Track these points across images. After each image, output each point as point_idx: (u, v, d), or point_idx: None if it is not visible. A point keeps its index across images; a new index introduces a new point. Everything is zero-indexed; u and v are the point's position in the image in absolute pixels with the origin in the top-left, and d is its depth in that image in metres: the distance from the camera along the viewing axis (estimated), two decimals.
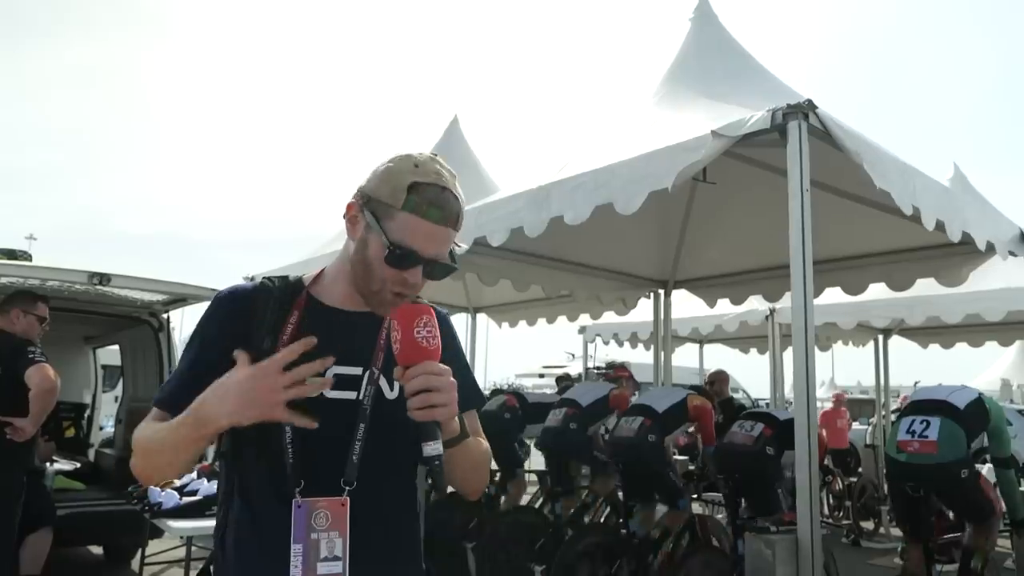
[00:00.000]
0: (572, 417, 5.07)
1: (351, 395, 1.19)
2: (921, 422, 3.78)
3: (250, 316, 1.21)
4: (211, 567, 1.27)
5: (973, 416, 3.80)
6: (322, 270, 1.31)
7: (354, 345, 1.22)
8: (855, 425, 13.79)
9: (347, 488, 1.15)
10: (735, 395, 14.01)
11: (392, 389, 1.22)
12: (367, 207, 1.18)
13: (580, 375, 11.15)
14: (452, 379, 1.08)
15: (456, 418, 1.14)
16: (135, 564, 4.96)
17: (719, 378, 7.30)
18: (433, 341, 1.08)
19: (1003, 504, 3.89)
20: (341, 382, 1.18)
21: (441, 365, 1.08)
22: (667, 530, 4.31)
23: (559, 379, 8.00)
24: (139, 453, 1.16)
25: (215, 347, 1.17)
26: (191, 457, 1.14)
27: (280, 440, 1.15)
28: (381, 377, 1.22)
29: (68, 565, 5.30)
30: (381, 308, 1.22)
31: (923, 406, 3.89)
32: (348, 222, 1.22)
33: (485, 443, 1.27)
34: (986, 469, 6.33)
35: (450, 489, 1.25)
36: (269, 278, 1.28)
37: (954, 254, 4.50)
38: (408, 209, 1.15)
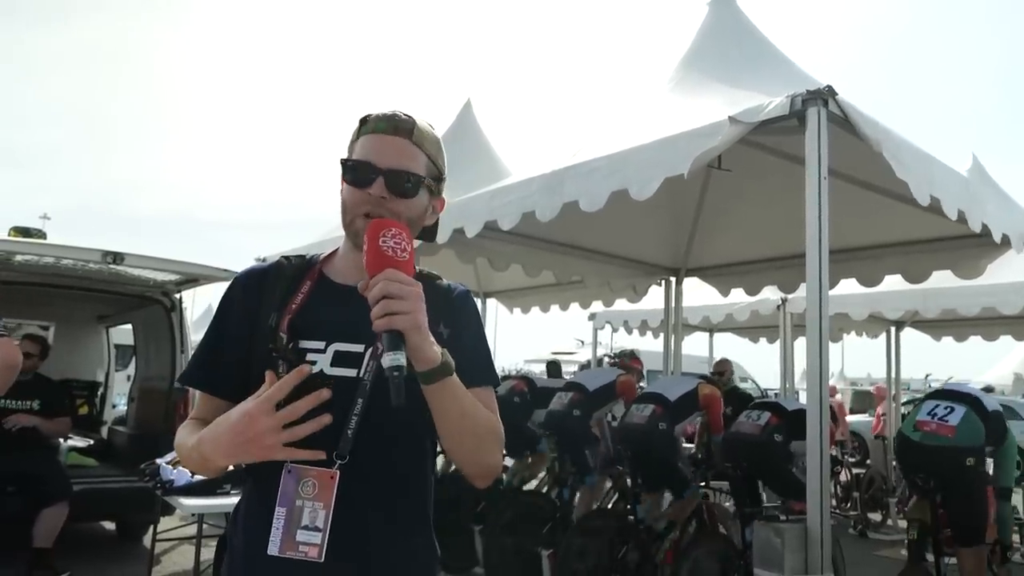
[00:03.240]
0: (577, 403, 5.07)
1: (351, 372, 1.17)
2: (945, 407, 3.76)
3: (260, 293, 1.24)
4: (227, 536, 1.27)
5: (997, 422, 3.78)
6: (337, 249, 1.32)
7: (358, 321, 1.17)
8: (864, 417, 13.76)
9: (339, 461, 1.14)
10: (743, 384, 14.04)
11: None
12: (341, 163, 1.23)
13: (589, 362, 11.13)
14: (418, 290, 1.03)
15: (438, 351, 1.06)
16: (147, 541, 5.03)
17: (727, 368, 7.25)
18: (401, 253, 1.04)
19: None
20: (341, 359, 1.17)
21: (405, 275, 1.03)
22: (672, 522, 4.30)
23: (549, 364, 7.97)
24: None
25: (229, 323, 1.22)
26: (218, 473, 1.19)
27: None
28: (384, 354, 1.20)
29: (80, 540, 5.37)
30: (359, 239, 1.18)
31: (950, 394, 3.89)
32: (340, 194, 1.26)
33: (495, 419, 1.21)
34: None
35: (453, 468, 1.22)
36: (287, 257, 1.29)
37: (972, 246, 4.45)
38: (361, 135, 1.21)
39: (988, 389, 9.90)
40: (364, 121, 1.22)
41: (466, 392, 1.13)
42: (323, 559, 1.10)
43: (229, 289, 1.28)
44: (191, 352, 5.98)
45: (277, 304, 1.20)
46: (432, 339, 1.06)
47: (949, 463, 3.68)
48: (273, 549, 1.11)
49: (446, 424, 1.13)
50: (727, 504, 4.76)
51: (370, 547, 1.16)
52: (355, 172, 1.18)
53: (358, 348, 1.18)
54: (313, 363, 1.16)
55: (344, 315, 1.18)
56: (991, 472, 4.00)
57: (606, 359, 7.74)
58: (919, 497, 4.10)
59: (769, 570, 2.81)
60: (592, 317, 9.71)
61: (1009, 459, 3.91)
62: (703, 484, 4.48)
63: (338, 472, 1.13)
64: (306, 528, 1.11)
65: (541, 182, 3.67)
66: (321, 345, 1.18)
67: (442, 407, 1.10)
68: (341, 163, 1.19)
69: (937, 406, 3.78)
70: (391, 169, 1.17)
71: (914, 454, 3.83)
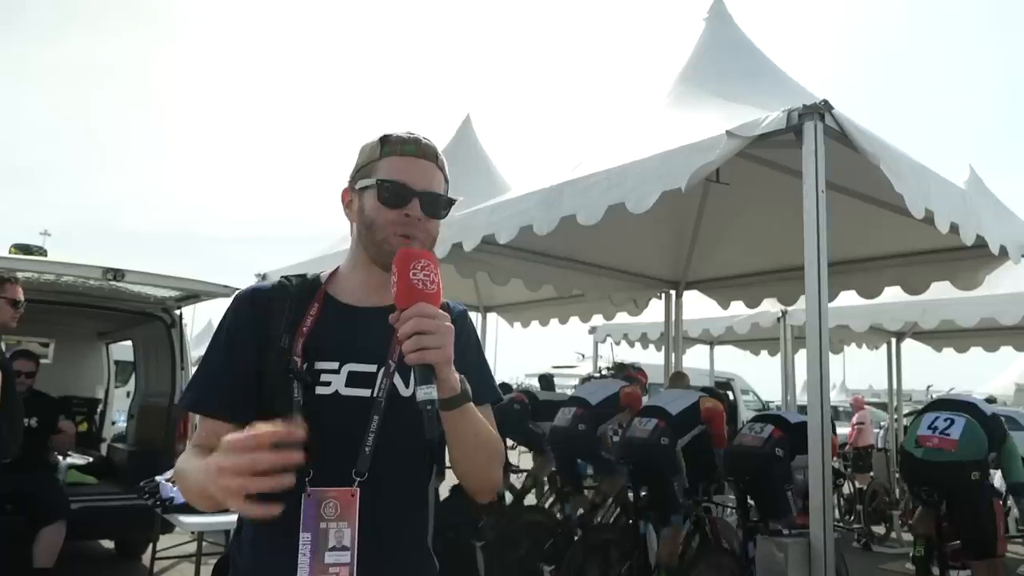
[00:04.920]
0: (581, 417, 5.06)
1: (365, 392, 1.19)
2: (945, 419, 3.75)
3: (269, 316, 1.23)
4: (229, 556, 1.26)
5: (996, 426, 3.76)
6: (337, 268, 1.33)
7: (369, 342, 1.22)
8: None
9: (358, 479, 1.16)
10: (745, 397, 13.99)
11: (407, 386, 1.22)
12: (355, 179, 1.26)
13: (590, 375, 11.09)
14: (448, 324, 1.05)
15: (458, 379, 1.09)
16: (146, 559, 5.00)
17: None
18: (431, 285, 1.05)
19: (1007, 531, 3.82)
20: (355, 380, 1.19)
21: (436, 309, 1.05)
22: (664, 558, 4.17)
23: (541, 377, 8.01)
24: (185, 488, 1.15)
25: (240, 345, 1.21)
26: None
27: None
28: (396, 374, 1.21)
29: (79, 559, 5.34)
30: (386, 259, 1.19)
31: (948, 404, 3.87)
32: (346, 208, 1.29)
33: (497, 436, 1.24)
34: (997, 477, 6.30)
35: (457, 482, 1.23)
36: (287, 277, 1.30)
37: (970, 257, 4.46)
38: (385, 155, 1.23)
39: (990, 400, 9.88)
40: (385, 141, 1.24)
41: (478, 414, 1.16)
42: None
43: (235, 310, 1.26)
44: (191, 369, 5.98)
45: (287, 325, 1.21)
46: (454, 368, 1.08)
47: (954, 478, 3.66)
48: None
49: (461, 445, 1.16)
50: (730, 518, 4.73)
51: (391, 561, 1.19)
52: (390, 192, 1.20)
53: (371, 368, 1.21)
54: (328, 384, 1.19)
55: (354, 336, 1.21)
56: (997, 483, 3.99)
57: (604, 371, 7.73)
58: (924, 508, 4.07)
59: None
60: (593, 331, 9.71)
61: (1014, 456, 3.88)
62: (706, 498, 4.46)
63: (358, 490, 1.15)
64: (334, 549, 1.12)
65: (540, 196, 3.69)
66: (335, 366, 1.20)
67: (458, 430, 1.13)
68: (377, 183, 1.20)
69: (936, 419, 3.77)
70: (425, 191, 1.21)
71: (918, 470, 3.81)
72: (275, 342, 1.19)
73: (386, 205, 1.20)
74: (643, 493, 4.46)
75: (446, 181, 1.27)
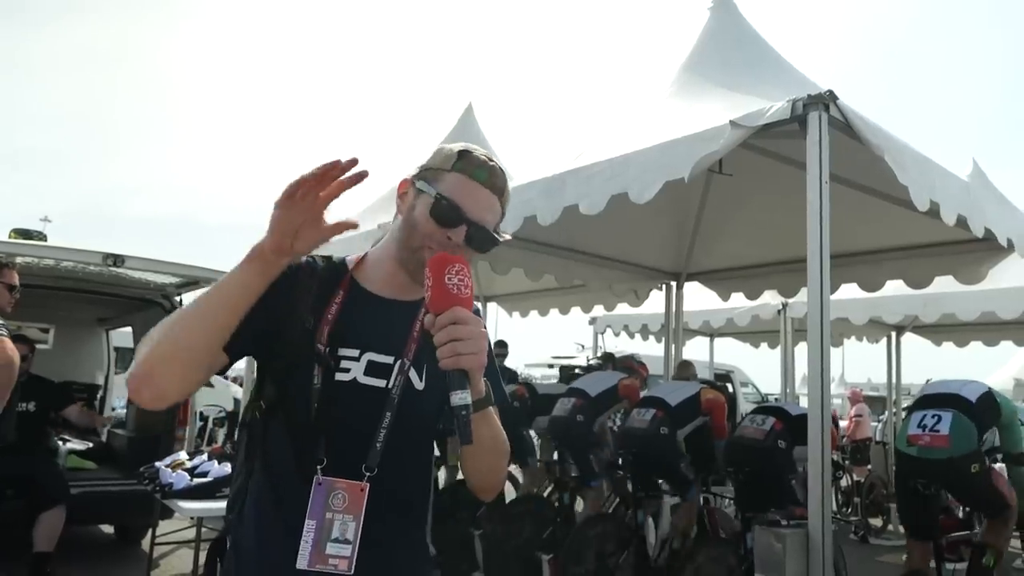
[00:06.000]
0: (580, 408, 5.07)
1: (381, 383, 1.20)
2: (933, 416, 3.74)
3: (293, 287, 1.19)
4: (226, 537, 1.25)
5: (984, 409, 3.77)
6: (365, 254, 1.32)
7: (389, 334, 1.22)
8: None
9: (368, 474, 1.16)
10: (744, 389, 14.00)
11: (421, 380, 1.22)
12: (418, 177, 1.23)
13: (578, 367, 11.09)
14: (483, 330, 1.05)
15: (484, 383, 1.10)
16: (145, 544, 5.02)
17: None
18: (465, 289, 1.05)
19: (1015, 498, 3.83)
20: (373, 369, 1.20)
21: (471, 314, 1.05)
22: (681, 528, 4.27)
23: (563, 368, 8.01)
24: (156, 335, 1.07)
25: (265, 302, 1.10)
26: (224, 312, 1.06)
27: (308, 417, 1.15)
28: (411, 368, 1.22)
29: (79, 544, 5.36)
30: (419, 270, 1.17)
31: (934, 400, 3.85)
32: (399, 198, 1.26)
33: (506, 437, 1.24)
34: (998, 467, 6.31)
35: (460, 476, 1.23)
36: (313, 256, 1.27)
37: (973, 251, 4.45)
38: (457, 170, 1.20)
39: None
40: (463, 155, 1.21)
41: (495, 417, 1.17)
42: (352, 571, 1.12)
43: None
44: None
45: (312, 306, 1.19)
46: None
47: (953, 473, 3.67)
48: (302, 563, 1.11)
49: (478, 446, 1.13)
50: (728, 509, 4.74)
51: (392, 555, 1.19)
52: (444, 210, 1.17)
53: (388, 360, 1.21)
54: (347, 370, 1.19)
55: (377, 325, 1.22)
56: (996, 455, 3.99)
57: (589, 361, 7.73)
58: (914, 540, 3.96)
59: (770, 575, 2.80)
60: (593, 321, 9.70)
61: (1013, 429, 3.88)
62: (704, 488, 4.47)
63: (368, 484, 1.15)
64: (336, 541, 1.13)
65: (542, 186, 3.67)
66: (355, 353, 1.20)
67: (479, 432, 1.11)
68: (436, 197, 1.17)
69: (924, 416, 3.76)
70: (477, 222, 1.19)
71: (915, 467, 3.81)
72: (300, 322, 1.17)
73: (435, 220, 1.18)
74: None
75: (502, 215, 1.26)
